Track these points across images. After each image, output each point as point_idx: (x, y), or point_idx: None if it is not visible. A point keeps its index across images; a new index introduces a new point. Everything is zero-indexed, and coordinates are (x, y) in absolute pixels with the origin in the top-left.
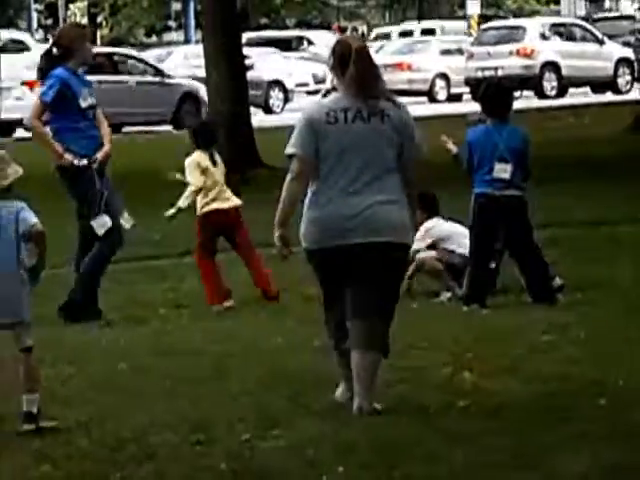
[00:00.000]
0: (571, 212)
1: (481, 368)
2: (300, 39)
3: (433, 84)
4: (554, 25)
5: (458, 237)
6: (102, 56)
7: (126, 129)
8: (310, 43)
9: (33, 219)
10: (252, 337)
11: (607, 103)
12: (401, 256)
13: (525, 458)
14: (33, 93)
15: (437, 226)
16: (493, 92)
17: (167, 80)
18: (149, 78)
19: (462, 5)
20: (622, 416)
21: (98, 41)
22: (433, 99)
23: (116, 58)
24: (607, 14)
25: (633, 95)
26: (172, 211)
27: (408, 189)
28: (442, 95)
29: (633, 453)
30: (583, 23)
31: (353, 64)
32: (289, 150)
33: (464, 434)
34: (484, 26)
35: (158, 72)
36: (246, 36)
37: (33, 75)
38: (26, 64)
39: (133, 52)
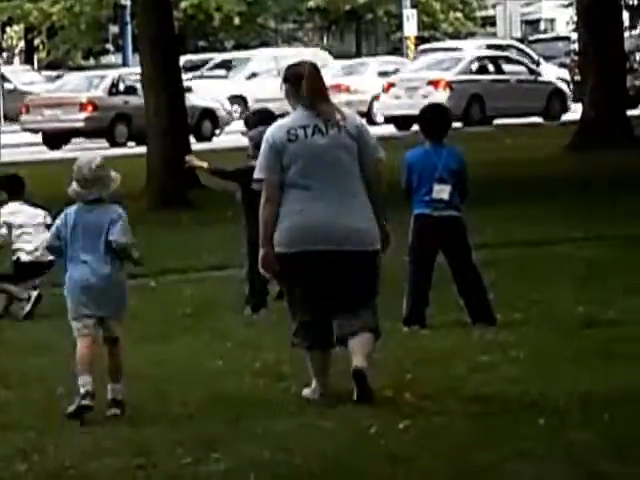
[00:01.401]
0: (509, 232)
1: (421, 389)
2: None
3: (371, 106)
4: (490, 47)
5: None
6: None
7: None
8: None
9: (123, 235)
10: (192, 360)
11: (537, 124)
12: (373, 259)
13: (466, 477)
14: None
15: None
16: (432, 113)
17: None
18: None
19: (399, 27)
20: (561, 436)
21: (35, 65)
22: (371, 121)
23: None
24: (543, 35)
25: (571, 116)
26: None
27: (373, 190)
28: (380, 117)
29: (573, 472)
30: (519, 44)
31: (306, 83)
32: (258, 175)
33: (405, 455)
34: (421, 48)
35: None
36: (185, 58)
37: None
38: None
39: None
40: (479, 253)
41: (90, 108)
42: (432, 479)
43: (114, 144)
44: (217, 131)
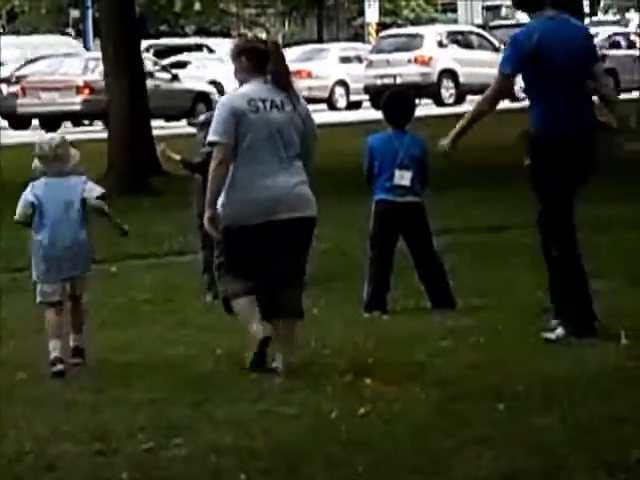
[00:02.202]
0: (470, 218)
1: (382, 374)
2: (199, 47)
3: (333, 91)
4: (451, 33)
5: None
6: None
7: None
8: (210, 51)
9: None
10: (153, 346)
11: (504, 110)
12: (312, 228)
13: (426, 463)
14: None
15: None
16: (395, 100)
17: None
18: None
19: (361, 13)
20: (521, 421)
21: None
22: (333, 106)
23: None
24: (504, 22)
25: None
26: None
27: (307, 169)
28: (342, 103)
29: (532, 458)
30: (480, 31)
31: (275, 59)
32: (212, 138)
33: (365, 440)
34: (382, 34)
35: None
36: (146, 43)
37: None
38: None
39: None
40: (440, 238)
41: (87, 91)
42: (392, 465)
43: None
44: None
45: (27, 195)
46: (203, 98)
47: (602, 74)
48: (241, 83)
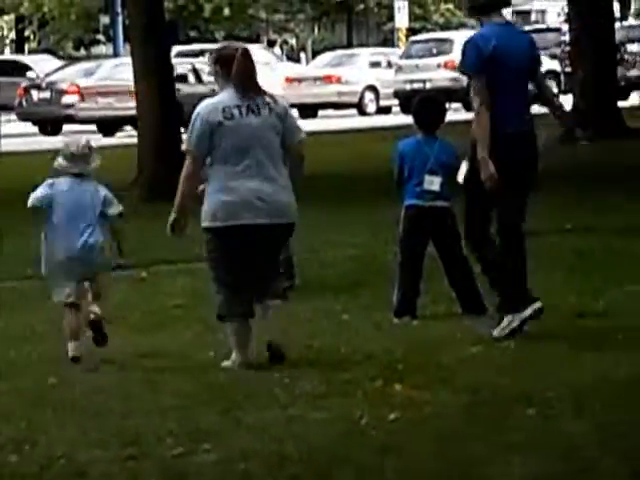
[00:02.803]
0: None
1: (412, 380)
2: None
3: (362, 97)
4: None
5: None
6: None
7: None
8: None
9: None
10: (183, 351)
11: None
12: (290, 233)
13: (456, 469)
14: None
15: None
16: (426, 105)
17: None
18: None
19: (390, 18)
20: (551, 427)
21: (26, 54)
22: (362, 112)
23: None
24: (534, 26)
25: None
26: None
27: (294, 167)
28: (371, 108)
29: (562, 463)
30: None
31: (241, 62)
32: (185, 146)
33: (395, 445)
34: (412, 39)
35: None
36: (178, 49)
37: None
38: None
39: None
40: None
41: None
42: (422, 470)
43: None
44: None
45: (45, 188)
46: None
47: (543, 80)
48: (221, 89)
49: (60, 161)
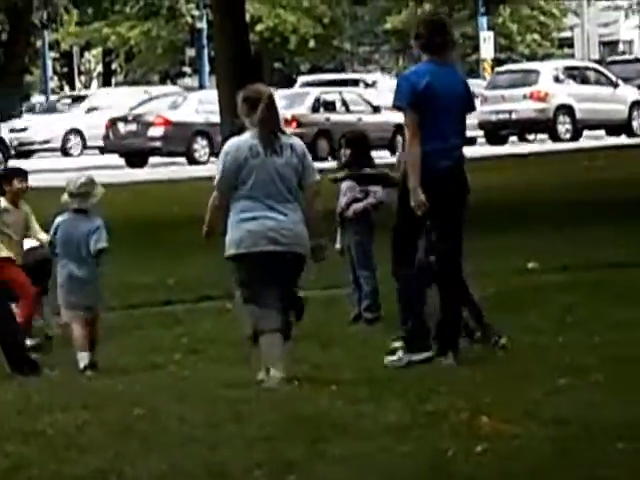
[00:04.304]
0: (589, 255)
1: (498, 412)
2: (356, 82)
3: None
4: (568, 68)
5: None
6: None
7: None
8: (367, 85)
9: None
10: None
11: (622, 146)
12: (302, 263)
13: None
14: None
15: None
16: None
17: None
18: None
19: (475, 49)
20: None
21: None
22: None
23: None
24: (621, 57)
25: None
26: None
27: (309, 208)
28: None
29: None
30: (597, 66)
31: (265, 108)
32: (214, 182)
33: (481, 478)
34: (498, 69)
35: None
36: (303, 79)
37: None
38: None
39: None
40: (559, 276)
41: (294, 124)
42: None
43: (314, 158)
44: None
45: (54, 223)
46: (401, 130)
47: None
48: (249, 125)
49: (64, 197)
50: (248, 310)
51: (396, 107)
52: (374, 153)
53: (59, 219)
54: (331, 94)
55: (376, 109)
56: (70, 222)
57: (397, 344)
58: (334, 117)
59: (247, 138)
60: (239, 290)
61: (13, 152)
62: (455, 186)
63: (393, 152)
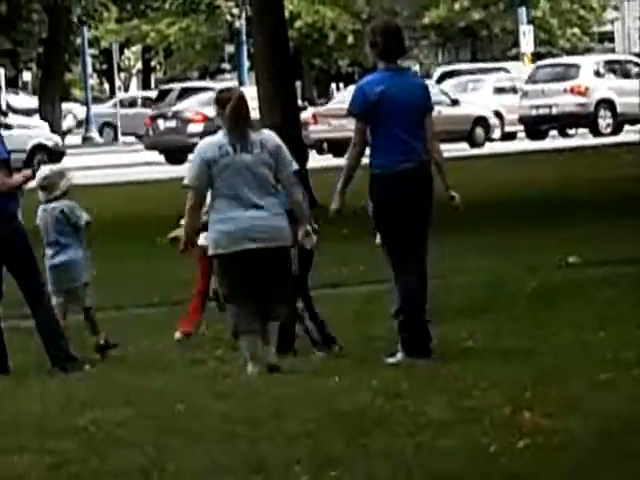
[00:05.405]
0: (629, 249)
1: (541, 407)
2: (498, 69)
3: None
4: (608, 62)
5: None
6: None
7: None
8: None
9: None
10: (309, 378)
11: None
12: (285, 255)
13: None
14: None
15: None
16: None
17: None
18: None
19: (515, 43)
20: None
21: (152, 84)
22: (488, 138)
23: None
24: None
25: None
26: None
27: (291, 196)
28: (496, 133)
29: None
30: (638, 60)
31: (233, 107)
32: (186, 182)
33: (525, 474)
34: (538, 64)
35: None
36: (455, 67)
37: None
38: None
39: None
40: (599, 270)
41: None
42: None
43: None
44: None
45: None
46: (481, 122)
47: (430, 126)
48: (223, 127)
49: (39, 192)
50: (229, 309)
51: (349, 114)
52: (453, 145)
53: (40, 208)
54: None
55: (455, 102)
56: (46, 209)
57: (391, 359)
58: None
59: (219, 138)
60: (220, 289)
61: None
62: (418, 189)
63: (472, 145)
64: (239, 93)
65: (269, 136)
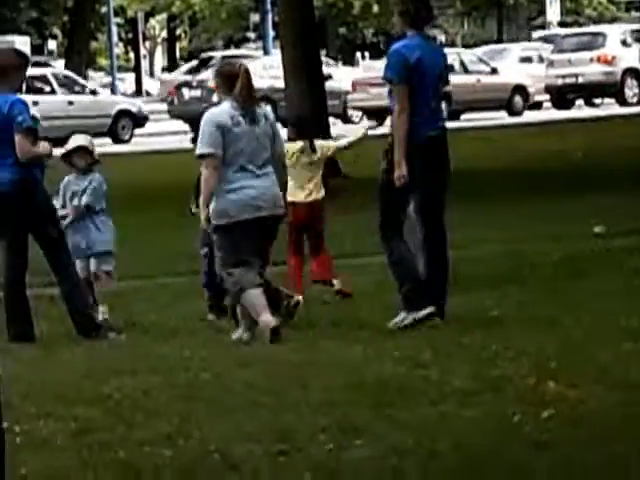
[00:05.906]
0: None
1: (565, 377)
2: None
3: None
4: (635, 31)
5: None
6: None
7: None
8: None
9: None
10: (333, 347)
11: None
12: (281, 222)
13: (611, 467)
14: None
15: None
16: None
17: None
18: None
19: (541, 12)
20: None
21: (177, 53)
22: (511, 110)
23: None
24: None
25: None
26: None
27: (278, 169)
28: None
29: None
30: None
31: (242, 81)
32: (202, 150)
33: (548, 443)
34: (564, 33)
35: None
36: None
37: None
38: None
39: None
40: (626, 240)
41: None
42: (575, 467)
43: None
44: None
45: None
46: (520, 90)
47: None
48: (219, 100)
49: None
50: (229, 274)
51: (386, 79)
52: (492, 114)
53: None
54: (450, 55)
55: (494, 70)
56: (71, 181)
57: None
58: (453, 78)
59: (227, 108)
60: (219, 255)
61: None
62: (439, 156)
63: (511, 113)
64: (245, 67)
65: (269, 111)
